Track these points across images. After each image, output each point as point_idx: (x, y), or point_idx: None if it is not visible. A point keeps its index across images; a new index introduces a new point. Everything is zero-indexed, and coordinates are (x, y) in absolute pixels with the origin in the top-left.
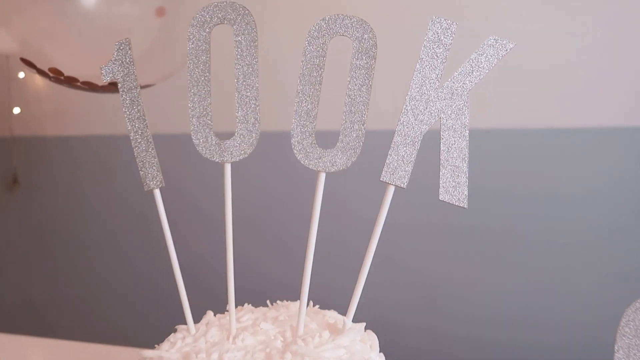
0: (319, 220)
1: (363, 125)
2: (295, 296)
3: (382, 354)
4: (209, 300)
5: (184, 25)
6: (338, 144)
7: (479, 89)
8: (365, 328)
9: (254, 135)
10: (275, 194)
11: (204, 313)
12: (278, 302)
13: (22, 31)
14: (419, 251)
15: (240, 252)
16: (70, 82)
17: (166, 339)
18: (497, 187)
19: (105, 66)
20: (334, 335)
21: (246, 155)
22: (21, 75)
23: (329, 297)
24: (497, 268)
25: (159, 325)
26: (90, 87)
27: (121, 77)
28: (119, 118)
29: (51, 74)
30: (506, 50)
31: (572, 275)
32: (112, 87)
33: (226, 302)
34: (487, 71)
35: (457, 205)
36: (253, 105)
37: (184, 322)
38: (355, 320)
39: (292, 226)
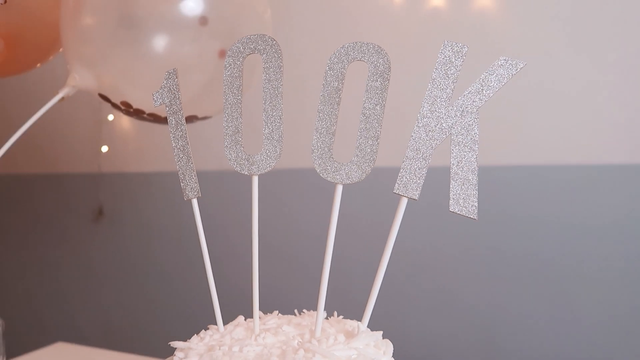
0: (359, 237)
1: (377, 140)
2: (327, 310)
3: None
4: (246, 307)
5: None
6: (353, 158)
7: (524, 128)
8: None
9: (278, 150)
10: (309, 220)
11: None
12: (304, 311)
13: (100, 71)
14: (477, 285)
15: (278, 268)
16: (138, 113)
17: (199, 334)
18: (558, 220)
19: (156, 92)
20: (349, 339)
21: (270, 168)
22: (110, 117)
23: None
24: (559, 303)
25: None
26: (154, 118)
27: (169, 101)
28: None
29: (122, 107)
30: (517, 69)
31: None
32: None
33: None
34: (497, 89)
35: (468, 217)
36: (278, 123)
37: None
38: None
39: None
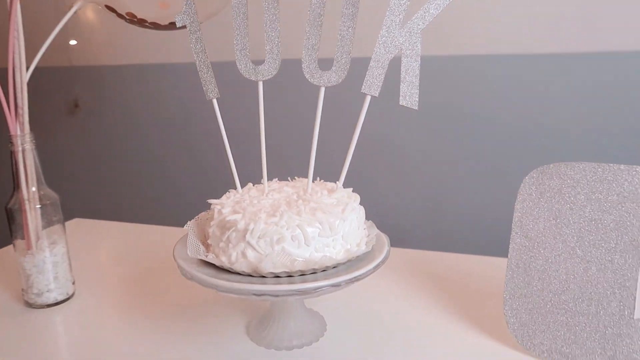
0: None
1: (349, 54)
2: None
3: (362, 207)
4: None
5: None
6: (333, 67)
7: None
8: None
9: (277, 62)
10: (301, 110)
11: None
12: (296, 177)
13: None
14: (428, 166)
15: (272, 150)
16: (141, 22)
17: (223, 196)
18: (488, 113)
19: (178, 16)
20: (330, 193)
21: (271, 76)
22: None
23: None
24: (490, 179)
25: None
26: (155, 26)
27: (189, 23)
28: (165, 48)
29: (127, 17)
30: (447, 2)
31: None
32: (172, 26)
33: (256, 181)
34: (435, 15)
35: (410, 107)
36: (276, 42)
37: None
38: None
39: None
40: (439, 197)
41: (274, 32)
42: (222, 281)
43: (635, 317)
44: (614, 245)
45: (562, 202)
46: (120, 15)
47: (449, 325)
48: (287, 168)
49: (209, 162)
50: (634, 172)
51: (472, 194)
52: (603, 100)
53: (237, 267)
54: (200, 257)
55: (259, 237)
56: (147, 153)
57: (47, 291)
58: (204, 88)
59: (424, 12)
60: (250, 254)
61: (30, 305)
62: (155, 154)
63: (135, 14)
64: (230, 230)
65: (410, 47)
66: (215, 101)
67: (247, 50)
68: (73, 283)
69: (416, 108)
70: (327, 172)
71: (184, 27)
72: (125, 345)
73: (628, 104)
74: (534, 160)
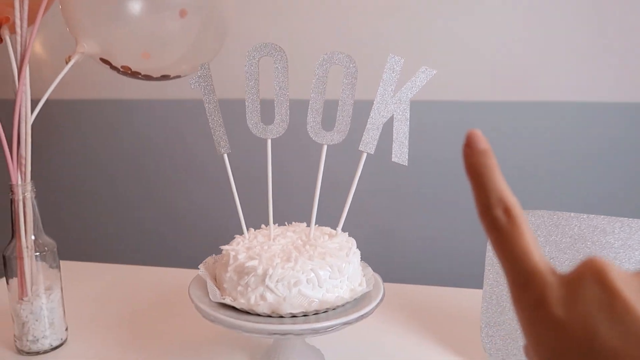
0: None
1: (349, 117)
2: (303, 219)
3: (358, 250)
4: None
5: (208, 29)
6: (335, 128)
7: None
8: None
9: (285, 124)
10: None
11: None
12: (293, 222)
13: (103, 40)
14: (383, 205)
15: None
16: (134, 75)
17: (231, 242)
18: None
19: (191, 80)
20: (331, 238)
21: (279, 135)
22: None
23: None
24: (433, 214)
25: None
26: (147, 78)
27: (204, 86)
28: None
29: (122, 70)
30: (431, 75)
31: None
32: (164, 77)
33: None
34: (420, 87)
35: (401, 164)
36: (285, 106)
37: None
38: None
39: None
40: (419, 237)
41: (284, 98)
42: (248, 322)
43: None
44: None
45: None
46: (114, 68)
47: (434, 354)
48: (281, 212)
49: (201, 206)
50: (581, 219)
51: (451, 233)
52: (562, 147)
53: (258, 309)
54: (219, 301)
55: (277, 281)
56: (133, 194)
57: (43, 337)
58: (215, 144)
59: (412, 84)
60: (269, 296)
61: (23, 352)
62: (141, 196)
63: (130, 67)
64: (250, 276)
65: (400, 112)
66: (225, 156)
67: (258, 112)
68: (66, 329)
69: (406, 164)
70: (324, 218)
71: (177, 77)
72: None
73: (581, 152)
74: None
